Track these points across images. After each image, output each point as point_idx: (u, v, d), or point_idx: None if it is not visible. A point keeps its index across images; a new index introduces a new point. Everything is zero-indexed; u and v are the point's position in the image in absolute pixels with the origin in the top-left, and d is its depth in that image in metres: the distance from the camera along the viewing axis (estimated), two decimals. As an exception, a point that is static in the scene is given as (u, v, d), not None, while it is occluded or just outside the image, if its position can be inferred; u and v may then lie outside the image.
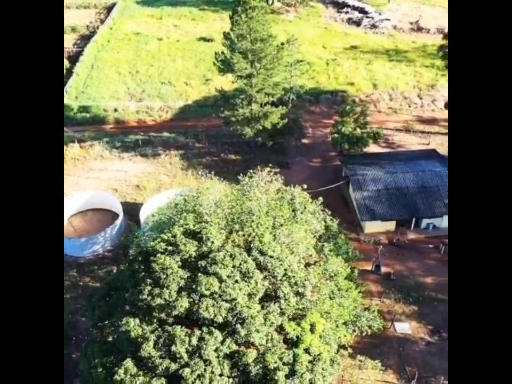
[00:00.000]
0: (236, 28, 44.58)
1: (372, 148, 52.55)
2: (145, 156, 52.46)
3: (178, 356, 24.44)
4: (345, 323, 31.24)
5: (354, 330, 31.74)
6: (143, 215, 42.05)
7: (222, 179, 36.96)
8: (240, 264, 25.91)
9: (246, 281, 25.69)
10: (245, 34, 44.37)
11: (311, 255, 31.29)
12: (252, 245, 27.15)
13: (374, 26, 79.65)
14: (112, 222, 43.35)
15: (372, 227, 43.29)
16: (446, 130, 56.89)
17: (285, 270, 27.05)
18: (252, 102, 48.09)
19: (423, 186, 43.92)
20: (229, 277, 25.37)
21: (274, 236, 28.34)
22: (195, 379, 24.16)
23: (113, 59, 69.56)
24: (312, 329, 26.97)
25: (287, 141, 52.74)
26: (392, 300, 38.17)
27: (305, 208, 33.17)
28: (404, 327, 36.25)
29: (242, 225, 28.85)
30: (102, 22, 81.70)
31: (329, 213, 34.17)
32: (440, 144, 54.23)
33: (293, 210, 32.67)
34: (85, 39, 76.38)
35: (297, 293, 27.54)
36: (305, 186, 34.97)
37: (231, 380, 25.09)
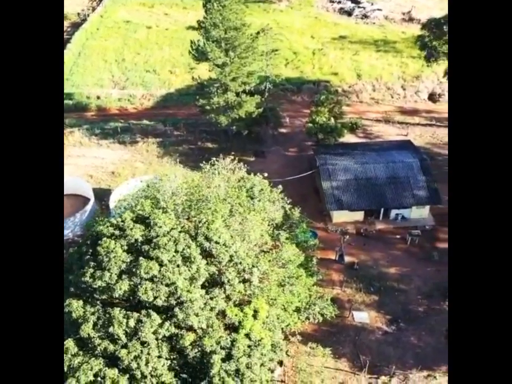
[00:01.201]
0: (209, 17, 44.57)
1: (350, 138, 52.49)
2: (123, 143, 52.85)
3: (116, 337, 25.01)
4: (298, 310, 31.57)
5: (307, 318, 32.07)
6: (113, 201, 42.49)
7: (184, 166, 37.15)
8: (183, 249, 26.27)
9: (187, 266, 26.06)
10: (217, 22, 44.31)
11: (266, 243, 31.57)
12: (198, 231, 27.50)
13: (365, 16, 78.99)
14: (84, 207, 43.90)
15: (340, 217, 43.40)
16: (427, 122, 56.82)
17: (231, 256, 27.33)
18: (227, 91, 48.15)
19: (393, 177, 43.84)
20: (170, 261, 25.74)
21: (226, 222, 28.63)
22: (131, 360, 24.73)
23: (101, 47, 69.84)
24: (255, 315, 27.34)
25: (264, 130, 52.83)
26: (354, 289, 38.35)
27: (263, 196, 33.41)
28: (362, 316, 36.45)
29: (199, 212, 29.19)
30: (94, 9, 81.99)
31: (289, 201, 34.29)
32: (419, 136, 54.10)
33: (252, 198, 32.93)
34: (75, 26, 76.71)
35: (244, 280, 27.88)
36: (266, 174, 35.15)
37: (169, 362, 25.62)
